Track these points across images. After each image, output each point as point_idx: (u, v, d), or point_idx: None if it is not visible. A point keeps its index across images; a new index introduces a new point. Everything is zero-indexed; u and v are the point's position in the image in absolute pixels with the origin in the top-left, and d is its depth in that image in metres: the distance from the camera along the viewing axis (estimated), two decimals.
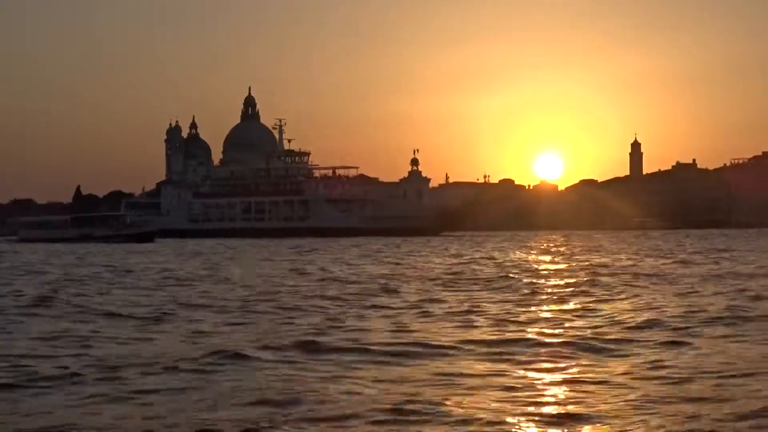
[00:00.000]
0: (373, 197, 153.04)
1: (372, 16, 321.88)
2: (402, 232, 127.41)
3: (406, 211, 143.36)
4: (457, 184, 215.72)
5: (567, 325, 17.22)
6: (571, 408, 9.67)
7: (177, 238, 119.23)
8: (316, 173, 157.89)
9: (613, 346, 14.08)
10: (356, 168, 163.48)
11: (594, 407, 9.66)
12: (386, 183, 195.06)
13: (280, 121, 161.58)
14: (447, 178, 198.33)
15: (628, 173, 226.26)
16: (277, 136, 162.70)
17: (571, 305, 21.33)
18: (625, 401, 9.93)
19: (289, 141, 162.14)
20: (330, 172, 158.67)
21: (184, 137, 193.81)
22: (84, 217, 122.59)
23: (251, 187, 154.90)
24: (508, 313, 19.62)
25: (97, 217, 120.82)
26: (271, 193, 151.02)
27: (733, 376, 11.44)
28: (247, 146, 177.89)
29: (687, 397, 10.15)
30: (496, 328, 16.70)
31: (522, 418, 9.29)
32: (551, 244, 79.30)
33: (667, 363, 12.50)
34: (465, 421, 9.14)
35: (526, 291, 26.02)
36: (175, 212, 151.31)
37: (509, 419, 9.25)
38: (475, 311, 19.99)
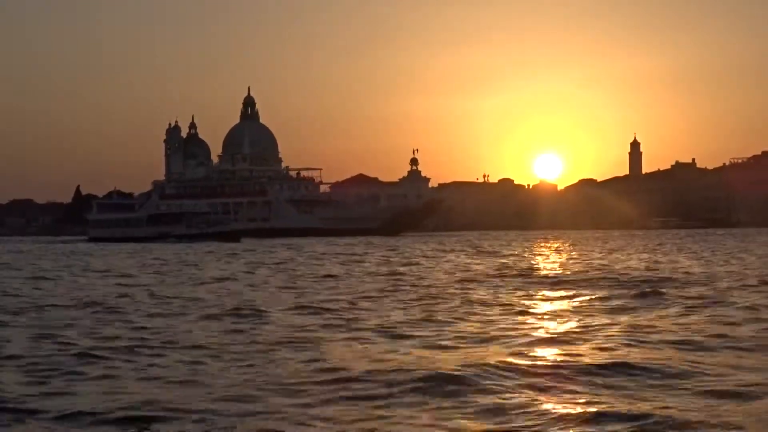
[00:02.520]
0: (336, 198, 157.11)
1: (372, 16, 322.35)
2: (361, 232, 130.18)
3: (366, 212, 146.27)
4: (457, 184, 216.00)
5: None
6: None
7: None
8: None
9: None
10: (320, 170, 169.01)
11: None
12: (386, 183, 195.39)
13: None
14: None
15: (627, 173, 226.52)
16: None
17: None
18: None
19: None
20: (295, 174, 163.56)
21: (184, 137, 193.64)
22: (161, 214, 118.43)
23: (217, 188, 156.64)
24: None
25: (175, 215, 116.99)
26: (236, 195, 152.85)
27: None
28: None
29: None
30: None
31: None
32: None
33: None
34: None
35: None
36: (144, 213, 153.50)
37: None
38: None
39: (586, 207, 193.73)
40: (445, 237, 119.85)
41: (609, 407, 9.65)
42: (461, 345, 14.39)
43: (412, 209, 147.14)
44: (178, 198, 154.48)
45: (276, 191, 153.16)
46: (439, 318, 18.35)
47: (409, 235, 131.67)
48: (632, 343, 14.27)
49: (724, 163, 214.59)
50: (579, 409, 9.58)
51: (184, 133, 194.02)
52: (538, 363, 12.37)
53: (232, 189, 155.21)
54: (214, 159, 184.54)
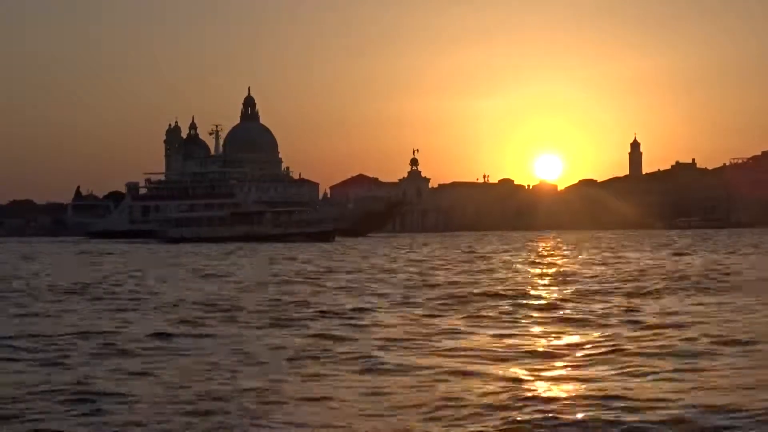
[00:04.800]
0: (307, 200, 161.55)
1: (372, 16, 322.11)
2: None
3: (335, 213, 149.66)
4: (457, 184, 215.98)
5: None
6: None
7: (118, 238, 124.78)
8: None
9: None
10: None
11: None
12: (386, 183, 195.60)
13: (216, 127, 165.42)
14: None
15: (627, 173, 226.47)
16: (213, 142, 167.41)
17: None
18: None
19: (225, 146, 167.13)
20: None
21: (184, 138, 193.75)
22: (246, 213, 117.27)
23: (188, 191, 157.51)
24: None
25: (259, 213, 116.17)
26: (206, 197, 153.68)
27: None
28: (247, 146, 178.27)
29: None
30: None
31: None
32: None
33: None
34: None
35: None
36: (117, 214, 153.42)
37: None
38: None
39: (587, 207, 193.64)
40: (400, 238, 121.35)
41: None
42: None
43: (375, 211, 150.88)
44: (151, 199, 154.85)
45: (244, 194, 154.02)
46: None
47: (371, 236, 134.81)
48: None
49: (724, 164, 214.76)
50: None
51: (184, 134, 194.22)
52: None
53: (203, 191, 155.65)
54: None
